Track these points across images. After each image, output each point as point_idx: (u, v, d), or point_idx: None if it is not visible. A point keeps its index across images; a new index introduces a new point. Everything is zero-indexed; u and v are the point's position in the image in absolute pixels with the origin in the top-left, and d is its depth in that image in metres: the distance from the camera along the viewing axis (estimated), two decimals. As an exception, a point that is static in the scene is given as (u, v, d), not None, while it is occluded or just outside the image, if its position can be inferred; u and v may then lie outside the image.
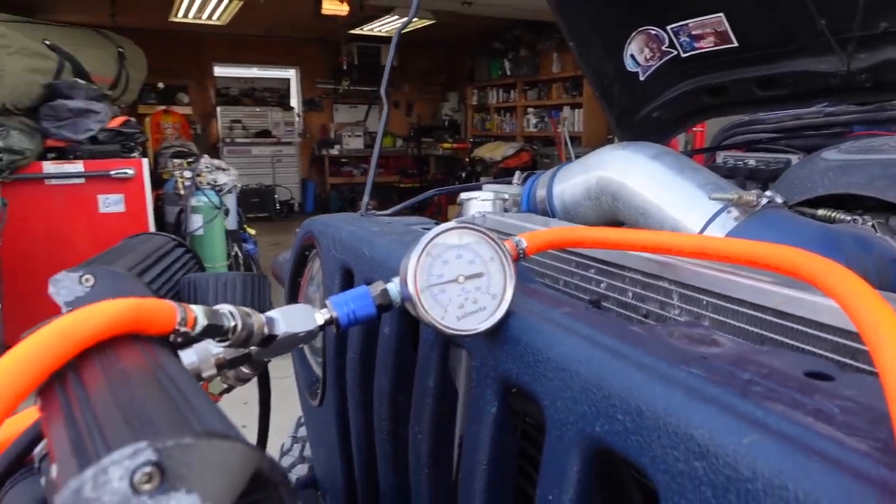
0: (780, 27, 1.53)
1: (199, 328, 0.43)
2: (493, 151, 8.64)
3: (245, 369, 0.59)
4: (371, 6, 7.37)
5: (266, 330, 0.50)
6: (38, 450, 0.42)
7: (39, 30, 4.33)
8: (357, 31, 8.83)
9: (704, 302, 0.60)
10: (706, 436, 0.35)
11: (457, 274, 0.53)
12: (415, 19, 8.04)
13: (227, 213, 4.58)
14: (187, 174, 4.42)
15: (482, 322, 0.53)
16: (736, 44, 1.65)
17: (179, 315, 0.41)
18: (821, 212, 0.91)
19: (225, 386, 0.61)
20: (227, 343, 0.47)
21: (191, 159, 5.10)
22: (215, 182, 4.49)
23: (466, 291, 0.53)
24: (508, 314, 0.54)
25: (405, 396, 0.74)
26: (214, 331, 0.45)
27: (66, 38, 4.50)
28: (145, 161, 4.22)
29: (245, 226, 4.94)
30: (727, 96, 1.80)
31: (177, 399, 0.30)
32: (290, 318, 0.53)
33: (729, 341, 0.48)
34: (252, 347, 0.51)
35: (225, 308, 0.47)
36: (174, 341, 0.42)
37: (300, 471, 1.68)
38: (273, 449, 1.87)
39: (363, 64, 9.90)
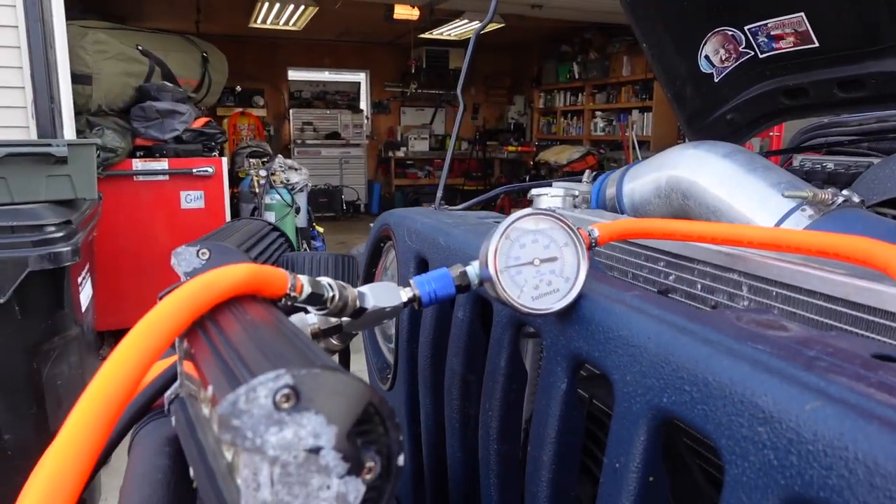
0: (864, 27, 1.49)
1: (304, 294, 0.49)
2: (559, 155, 8.58)
3: (334, 341, 0.65)
4: (441, 10, 7.48)
5: (358, 303, 0.56)
6: (168, 394, 0.49)
7: (133, 36, 4.63)
8: (427, 35, 8.96)
9: (774, 293, 0.62)
10: (770, 403, 0.37)
11: (533, 257, 0.57)
12: (483, 23, 8.10)
13: (297, 211, 4.76)
14: (262, 173, 4.62)
15: (556, 302, 0.56)
16: (817, 44, 1.61)
17: (290, 281, 0.47)
18: (901, 212, 0.89)
19: (315, 356, 0.67)
20: (324, 311, 0.53)
21: (265, 159, 5.32)
22: (288, 181, 4.68)
23: (541, 274, 0.57)
24: (580, 296, 0.57)
25: (475, 376, 0.78)
26: (316, 299, 0.50)
27: (156, 43, 4.79)
28: (224, 160, 4.45)
29: (314, 224, 5.12)
30: (806, 98, 1.75)
31: (298, 343, 0.35)
32: (378, 294, 0.58)
33: (797, 327, 0.50)
34: (344, 319, 0.57)
35: (325, 280, 0.52)
36: (283, 305, 0.47)
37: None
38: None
39: (431, 67, 10.05)
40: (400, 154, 10.70)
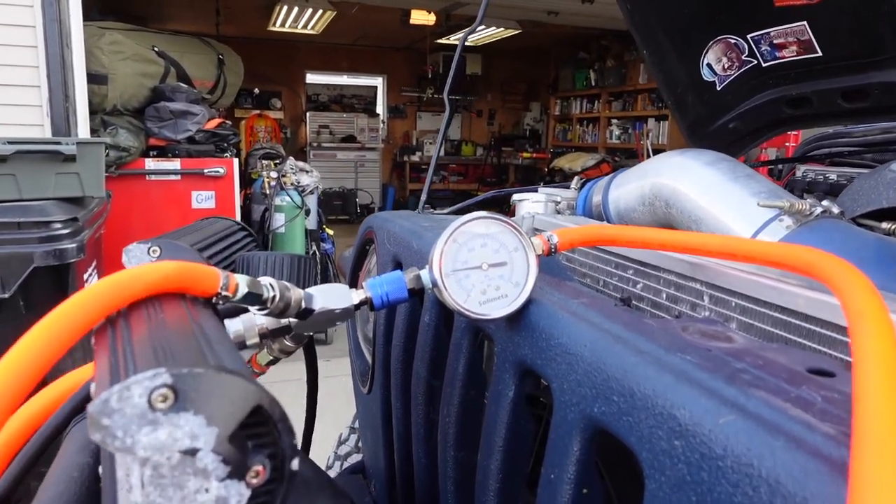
0: (867, 36, 1.46)
1: (240, 294, 0.48)
2: (573, 162, 8.55)
3: (287, 342, 0.64)
4: (458, 16, 7.50)
5: (303, 304, 0.55)
6: (100, 391, 0.49)
7: (150, 37, 4.69)
8: (443, 40, 8.98)
9: (733, 304, 0.60)
10: (687, 416, 0.36)
11: (481, 261, 0.56)
12: (500, 29, 8.12)
13: (308, 213, 4.78)
14: (273, 174, 4.65)
15: (503, 308, 0.55)
16: (820, 53, 1.59)
17: (222, 280, 0.46)
18: (884, 225, 0.87)
19: (271, 357, 0.67)
20: (265, 312, 0.52)
21: (278, 161, 5.36)
22: (298, 183, 4.70)
23: (490, 279, 0.56)
24: (529, 302, 0.56)
25: (440, 381, 0.77)
26: (254, 298, 0.50)
27: (172, 44, 4.86)
28: (236, 161, 4.49)
29: (324, 226, 5.14)
30: (810, 108, 1.73)
31: (201, 342, 0.34)
32: (327, 295, 0.58)
33: (742, 339, 0.49)
34: (290, 319, 0.56)
35: (266, 280, 0.52)
36: (218, 304, 0.47)
37: (355, 460, 1.74)
38: (329, 437, 1.96)
39: (447, 72, 10.05)
40: (415, 158, 10.73)
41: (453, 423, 0.69)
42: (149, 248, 0.57)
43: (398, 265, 0.96)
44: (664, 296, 0.70)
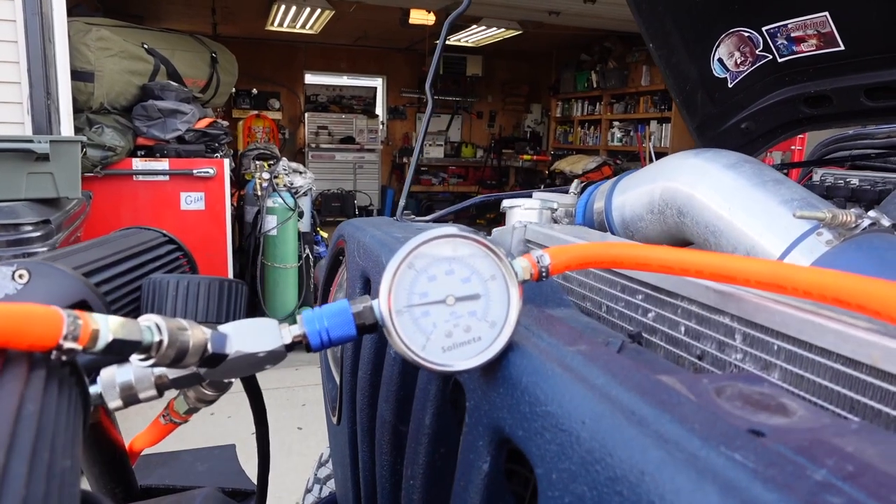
0: (895, 28, 1.33)
1: (100, 344, 0.35)
2: (574, 165, 8.41)
3: (206, 390, 0.51)
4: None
5: (209, 348, 0.41)
6: None
7: (139, 34, 4.56)
8: (443, 40, 8.84)
9: (776, 347, 0.47)
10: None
11: (446, 294, 0.42)
12: (501, 29, 7.99)
13: (301, 215, 4.64)
14: (265, 175, 4.52)
15: (473, 357, 0.42)
16: (842, 47, 1.45)
17: (66, 327, 0.33)
18: (942, 240, 0.73)
19: (188, 406, 0.53)
20: (150, 362, 0.39)
21: (272, 161, 5.22)
22: (292, 184, 4.57)
23: (457, 316, 0.42)
24: (509, 349, 0.42)
25: (407, 427, 0.64)
26: (126, 347, 0.36)
27: (163, 42, 4.72)
28: (226, 161, 4.35)
29: (319, 228, 5.00)
30: (829, 106, 1.59)
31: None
32: (246, 335, 0.44)
33: (802, 409, 0.35)
34: (192, 368, 0.43)
35: (151, 320, 0.38)
36: (61, 359, 0.34)
37: (334, 485, 1.61)
38: (315, 457, 1.82)
39: (447, 74, 9.95)
40: (414, 160, 10.59)
41: (418, 487, 0.55)
42: (13, 273, 0.43)
43: (367, 283, 0.83)
44: (682, 329, 0.56)
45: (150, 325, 0.38)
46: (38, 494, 0.21)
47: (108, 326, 0.35)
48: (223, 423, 3.26)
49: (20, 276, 0.44)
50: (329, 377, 1.10)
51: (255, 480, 0.77)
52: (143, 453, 0.75)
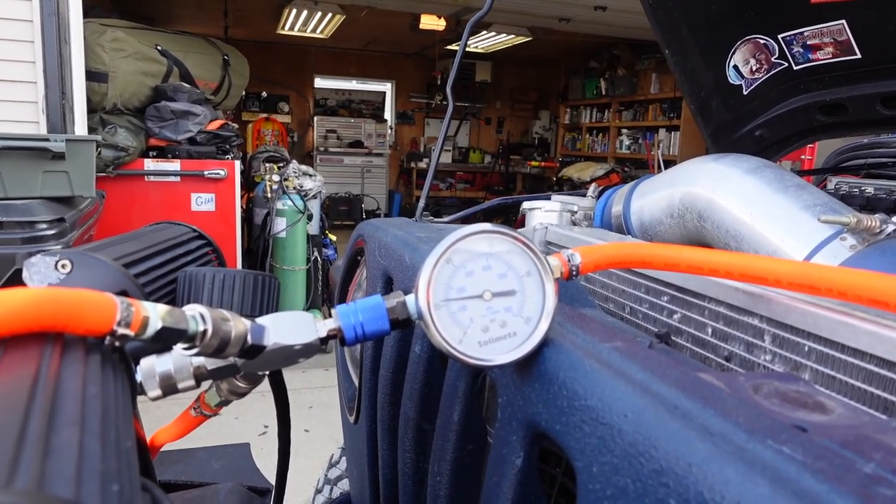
0: (915, 36, 1.33)
1: (150, 331, 0.35)
2: (582, 171, 8.41)
3: (239, 382, 0.51)
4: (468, 21, 7.38)
5: (249, 339, 0.42)
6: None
7: (153, 36, 4.60)
8: (453, 46, 8.88)
9: (807, 348, 0.47)
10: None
11: (483, 289, 0.43)
12: (511, 36, 8.01)
13: (310, 217, 4.66)
14: (275, 178, 4.54)
15: (509, 351, 0.42)
16: (859, 55, 1.46)
17: (120, 313, 0.33)
18: (965, 247, 0.73)
19: (220, 398, 0.54)
20: (194, 351, 0.39)
21: (281, 164, 5.24)
22: (301, 187, 4.58)
23: (493, 311, 0.43)
24: (544, 344, 0.43)
25: (432, 426, 0.64)
26: (174, 335, 0.37)
27: (176, 44, 4.76)
28: (237, 163, 4.37)
29: (327, 231, 5.01)
30: (845, 115, 1.59)
31: (28, 435, 0.21)
32: (284, 328, 0.45)
33: (840, 406, 0.35)
34: (233, 358, 0.43)
35: (196, 309, 0.39)
36: (114, 345, 0.34)
37: (345, 485, 1.61)
38: (327, 455, 1.83)
39: (456, 79, 9.96)
40: (422, 165, 10.62)
41: (445, 484, 0.56)
42: (56, 262, 0.44)
43: (389, 282, 0.83)
44: (709, 331, 0.57)
45: (195, 315, 0.39)
46: (111, 471, 0.22)
47: (158, 314, 0.36)
48: (230, 423, 3.27)
49: (63, 266, 0.45)
50: (346, 377, 1.11)
51: (269, 479, 0.78)
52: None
